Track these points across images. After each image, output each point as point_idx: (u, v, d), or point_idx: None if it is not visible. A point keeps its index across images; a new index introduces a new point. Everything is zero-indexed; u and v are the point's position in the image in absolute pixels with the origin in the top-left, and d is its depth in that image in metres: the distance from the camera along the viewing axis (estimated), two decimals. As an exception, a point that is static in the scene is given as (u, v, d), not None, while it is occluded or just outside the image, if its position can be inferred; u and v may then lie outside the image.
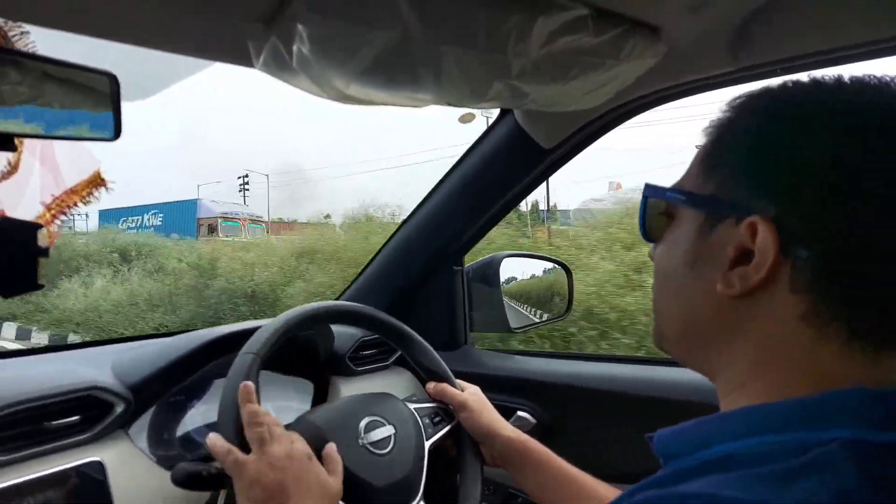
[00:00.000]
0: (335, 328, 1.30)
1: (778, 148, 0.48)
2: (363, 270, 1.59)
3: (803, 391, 0.46)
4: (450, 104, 0.79)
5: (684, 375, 1.17)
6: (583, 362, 1.41)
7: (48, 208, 0.67)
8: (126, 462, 0.95)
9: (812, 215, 0.46)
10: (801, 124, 0.48)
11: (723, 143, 0.53)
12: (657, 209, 0.59)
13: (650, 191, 0.59)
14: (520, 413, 1.34)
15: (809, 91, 0.50)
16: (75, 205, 0.68)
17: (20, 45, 0.61)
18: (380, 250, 1.56)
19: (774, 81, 0.54)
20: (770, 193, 0.48)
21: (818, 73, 0.51)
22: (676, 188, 0.56)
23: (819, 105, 0.49)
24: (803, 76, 0.52)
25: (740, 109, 0.54)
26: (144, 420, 1.06)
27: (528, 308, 1.60)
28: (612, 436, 1.24)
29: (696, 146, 0.58)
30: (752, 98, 0.54)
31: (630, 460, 1.18)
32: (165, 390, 1.07)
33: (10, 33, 0.59)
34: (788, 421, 0.45)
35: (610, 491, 0.90)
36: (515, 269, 1.55)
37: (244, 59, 0.71)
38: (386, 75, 0.69)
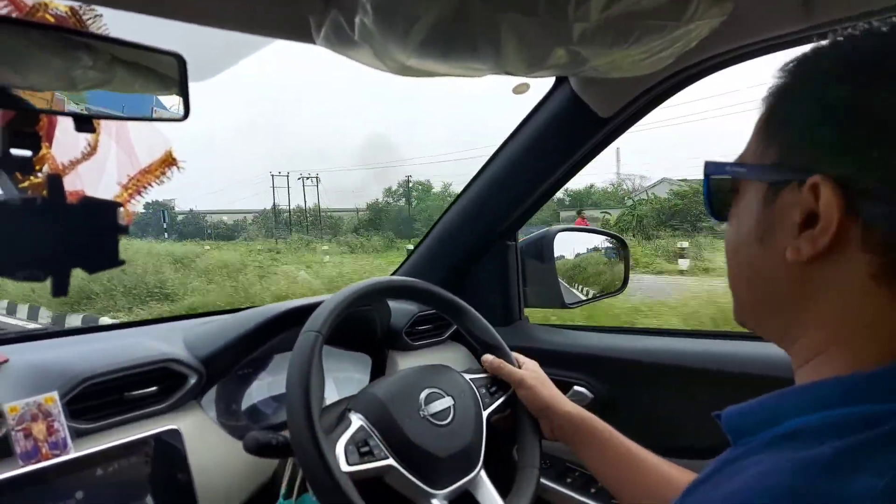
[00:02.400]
0: (392, 304, 1.32)
1: (840, 105, 0.47)
2: (417, 246, 1.60)
3: (875, 359, 0.45)
4: (508, 73, 0.78)
5: (746, 349, 1.14)
6: (639, 336, 1.39)
7: (125, 188, 0.70)
8: (199, 430, 0.99)
9: (883, 170, 0.44)
10: (866, 78, 0.46)
11: (781, 109, 0.52)
12: (721, 186, 0.58)
13: (711, 168, 0.58)
14: (576, 388, 1.34)
15: (869, 42, 0.48)
16: (150, 184, 0.71)
17: (93, 28, 0.63)
18: (434, 226, 1.57)
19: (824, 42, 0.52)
20: (833, 152, 0.46)
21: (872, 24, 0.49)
22: (735, 162, 0.55)
23: (885, 56, 0.47)
24: (854, 30, 0.50)
25: (797, 72, 0.52)
26: (213, 392, 1.11)
27: (584, 283, 1.58)
28: (672, 410, 1.23)
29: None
30: (807, 59, 0.52)
31: (690, 435, 1.17)
32: (234, 363, 1.11)
33: (85, 17, 0.61)
34: (859, 393, 0.44)
35: (672, 467, 0.89)
36: (570, 244, 1.53)
37: (304, 35, 0.72)
38: (446, 45, 0.68)
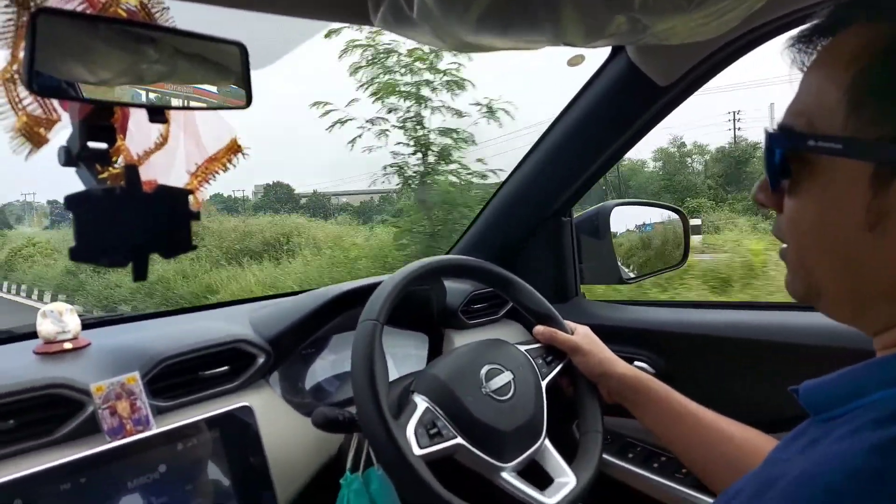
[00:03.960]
0: (447, 283, 1.33)
1: None
2: (472, 224, 1.60)
3: None
4: (566, 44, 0.76)
5: (813, 319, 1.11)
6: (699, 310, 1.36)
7: (194, 176, 0.72)
8: (269, 407, 1.03)
9: None
10: None
11: (887, 64, 0.43)
12: (789, 158, 0.49)
13: (779, 141, 0.50)
14: (637, 363, 1.32)
15: None
16: (217, 172, 0.73)
17: (161, 20, 0.64)
18: (488, 203, 1.56)
19: None
20: None
21: None
22: (821, 135, 0.46)
23: None
24: None
25: None
26: (278, 371, 1.15)
27: (642, 257, 1.55)
28: (735, 384, 1.20)
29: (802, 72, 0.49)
30: None
31: (754, 409, 1.14)
32: (298, 343, 1.15)
33: (153, 10, 0.63)
34: None
35: (731, 423, 0.88)
36: (627, 218, 1.51)
37: (362, 17, 0.72)
38: (504, 19, 0.67)
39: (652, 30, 0.74)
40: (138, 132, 0.68)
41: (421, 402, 0.93)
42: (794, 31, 0.50)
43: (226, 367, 1.01)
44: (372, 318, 0.93)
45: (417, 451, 0.85)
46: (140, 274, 0.61)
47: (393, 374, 1.29)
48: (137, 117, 0.67)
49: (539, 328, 1.09)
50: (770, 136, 0.50)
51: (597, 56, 1.17)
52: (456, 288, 1.37)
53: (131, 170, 0.61)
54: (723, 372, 1.23)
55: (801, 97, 0.49)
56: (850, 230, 0.46)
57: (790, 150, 0.49)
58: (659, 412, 0.94)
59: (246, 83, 0.70)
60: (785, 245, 0.54)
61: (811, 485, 0.38)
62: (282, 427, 1.04)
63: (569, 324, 1.11)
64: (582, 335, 1.07)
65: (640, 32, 0.74)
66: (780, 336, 1.14)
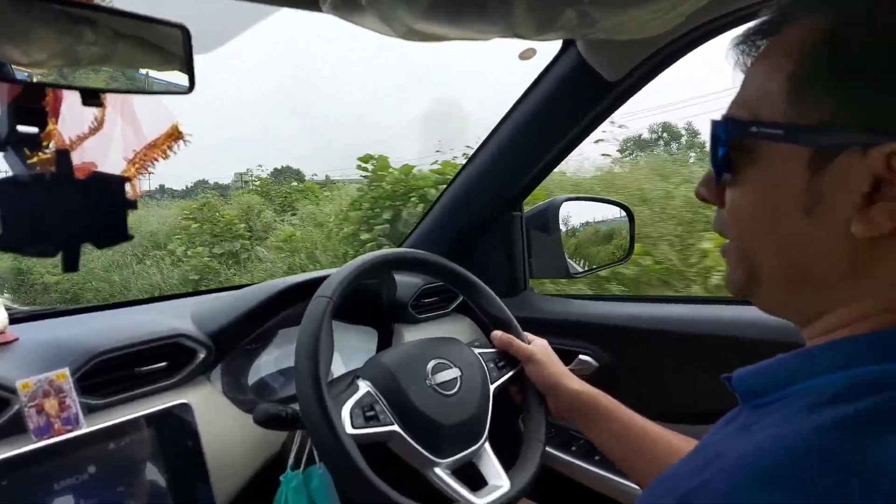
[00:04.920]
0: (397, 276, 1.32)
1: None
2: (423, 217, 1.60)
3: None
4: (517, 36, 0.76)
5: (750, 313, 1.15)
6: (643, 304, 1.39)
7: (132, 163, 0.69)
8: (210, 404, 1.00)
9: None
10: None
11: (826, 53, 0.44)
12: (732, 148, 0.50)
13: (726, 128, 0.50)
14: (581, 356, 1.35)
15: None
16: (156, 159, 0.70)
17: (99, 0, 0.62)
18: (440, 196, 1.56)
19: None
20: None
21: None
22: (762, 121, 0.47)
23: None
24: None
25: (841, 12, 0.44)
26: (220, 367, 1.11)
27: (588, 252, 1.58)
28: (677, 377, 1.24)
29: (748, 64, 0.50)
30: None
31: (696, 401, 1.18)
32: (242, 338, 1.12)
33: (89, -12, 0.60)
34: (881, 351, 0.42)
35: (678, 438, 0.89)
36: (576, 213, 1.53)
37: (309, 3, 0.70)
38: (454, 8, 0.67)
39: (601, 24, 0.75)
40: (71, 116, 0.65)
41: (363, 386, 0.92)
42: (739, 31, 0.52)
43: (164, 363, 0.98)
44: (325, 294, 0.92)
45: (349, 430, 0.84)
46: (70, 265, 0.58)
47: (341, 369, 1.28)
48: (71, 101, 0.64)
49: (497, 333, 1.09)
50: (715, 124, 0.51)
51: (548, 50, 1.18)
52: (406, 282, 1.37)
53: (62, 155, 0.58)
54: (663, 364, 1.26)
55: (744, 90, 0.51)
56: (789, 213, 0.47)
57: (734, 137, 0.50)
58: (609, 430, 0.93)
59: (188, 67, 0.68)
60: (727, 241, 0.55)
61: (748, 467, 0.39)
62: (222, 425, 1.01)
63: (527, 335, 1.11)
64: (538, 346, 1.07)
65: (589, 26, 0.75)
66: (719, 329, 1.18)
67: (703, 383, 1.18)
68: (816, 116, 0.44)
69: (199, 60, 0.69)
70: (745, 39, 0.51)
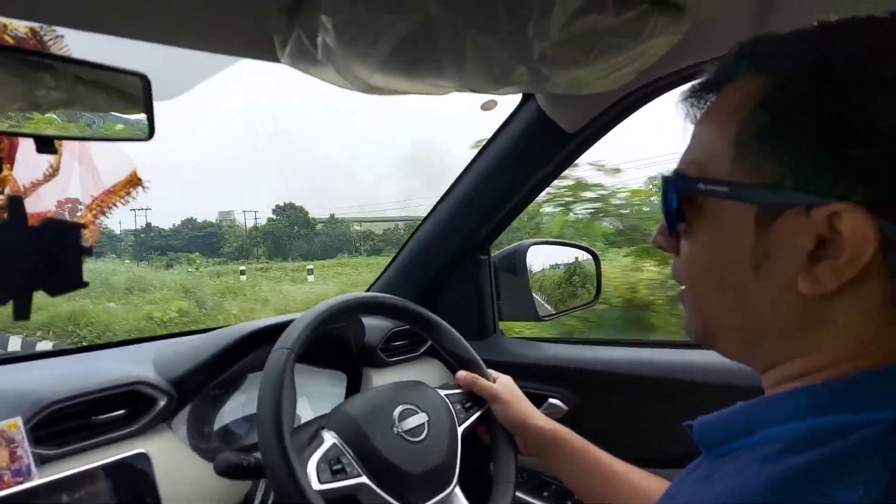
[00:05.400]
0: (366, 320, 1.32)
1: (867, 110, 0.41)
2: (391, 262, 1.60)
3: (848, 371, 0.44)
4: (472, 90, 0.79)
5: (715, 358, 1.16)
6: (612, 348, 1.40)
7: (89, 209, 0.69)
8: (170, 453, 0.98)
9: None
10: (876, 85, 0.41)
11: (768, 114, 0.45)
12: (682, 202, 0.51)
13: (674, 184, 0.51)
14: (551, 400, 1.35)
15: (867, 35, 0.43)
16: (114, 204, 0.71)
17: (55, 49, 0.63)
18: (407, 241, 1.57)
19: (807, 31, 0.46)
20: (859, 172, 0.41)
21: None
22: (710, 179, 0.48)
23: (881, 53, 0.41)
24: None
25: (785, 67, 0.45)
26: (184, 413, 1.09)
27: (557, 296, 1.59)
28: (645, 420, 1.24)
29: (695, 124, 0.52)
30: (806, 50, 0.45)
31: (665, 444, 1.18)
32: (205, 384, 1.10)
33: (46, 38, 0.61)
34: (831, 403, 0.43)
35: (644, 477, 0.89)
36: (543, 257, 1.55)
37: (269, 54, 0.72)
38: (409, 63, 0.69)
39: (554, 79, 0.78)
40: (27, 163, 0.66)
41: (328, 438, 0.90)
42: (686, 87, 0.54)
43: (122, 412, 0.95)
44: (286, 346, 0.91)
45: (316, 486, 0.82)
46: (21, 313, 0.57)
47: (309, 415, 1.26)
48: (27, 148, 0.65)
49: (461, 374, 1.09)
50: (665, 180, 0.52)
51: (509, 101, 1.22)
52: (375, 325, 1.36)
53: (15, 201, 0.58)
54: (632, 408, 1.26)
55: (692, 146, 0.52)
56: (738, 270, 0.47)
57: (683, 192, 0.51)
58: (575, 467, 0.94)
59: (148, 114, 0.68)
60: (682, 287, 0.56)
61: None
62: (182, 474, 0.98)
63: (492, 372, 1.11)
64: (503, 384, 1.07)
65: (542, 82, 0.78)
66: (684, 374, 1.19)
67: (669, 427, 1.18)
68: (761, 176, 0.45)
69: (181, 103, 0.70)
70: (693, 94, 0.53)
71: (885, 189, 0.40)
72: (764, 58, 0.47)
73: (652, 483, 0.88)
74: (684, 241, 0.53)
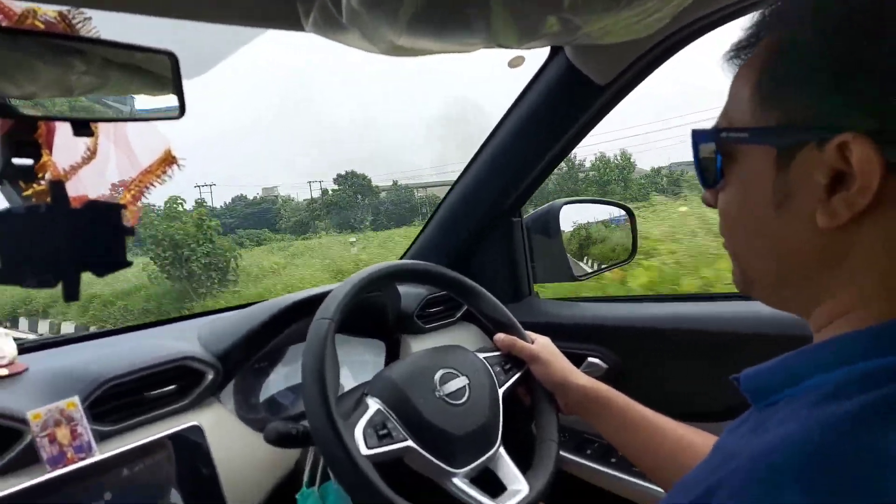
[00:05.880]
0: (401, 288, 1.33)
1: (855, 56, 0.44)
2: (423, 228, 1.60)
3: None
4: (501, 46, 0.77)
5: (755, 308, 1.14)
6: (649, 304, 1.39)
7: (127, 189, 0.70)
8: (220, 425, 1.01)
9: None
10: (875, 26, 0.44)
11: (781, 66, 0.48)
12: (714, 152, 0.54)
13: (701, 136, 0.55)
14: (590, 359, 1.35)
15: None
16: (151, 184, 0.71)
17: (83, 31, 0.63)
18: (438, 207, 1.56)
19: None
20: (863, 105, 0.43)
21: None
22: (731, 127, 0.52)
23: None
24: None
25: (792, 18, 0.49)
26: (231, 386, 1.12)
27: (592, 254, 1.58)
28: (687, 375, 1.23)
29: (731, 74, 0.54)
30: (810, 4, 0.48)
31: (707, 399, 1.17)
32: (249, 357, 1.12)
33: (75, 20, 0.61)
34: (882, 345, 0.43)
35: (691, 431, 0.89)
36: (576, 216, 1.53)
37: (294, 23, 0.71)
38: (436, 21, 0.68)
39: (584, 29, 0.75)
40: (65, 147, 0.66)
41: (373, 404, 0.92)
42: (726, 49, 0.55)
43: (173, 386, 0.98)
44: (326, 316, 0.92)
45: (364, 451, 0.83)
46: (71, 294, 0.59)
47: (350, 383, 1.28)
48: (64, 131, 0.65)
49: (499, 336, 1.09)
50: (694, 133, 0.55)
51: (538, 56, 1.19)
52: (410, 292, 1.37)
53: (57, 186, 0.58)
54: (673, 364, 1.25)
55: (726, 103, 0.54)
56: (762, 212, 0.50)
57: (710, 142, 0.54)
58: (618, 424, 0.94)
59: (178, 92, 0.68)
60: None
61: (760, 466, 0.40)
62: (234, 445, 1.01)
63: (529, 334, 1.11)
64: (541, 345, 1.07)
65: (572, 32, 0.75)
66: (727, 326, 1.17)
67: (713, 381, 1.17)
68: (777, 119, 0.48)
69: (204, 80, 0.70)
70: (735, 54, 0.55)
71: (889, 119, 0.43)
72: (777, 16, 0.50)
73: (699, 437, 0.88)
74: (721, 194, 0.56)
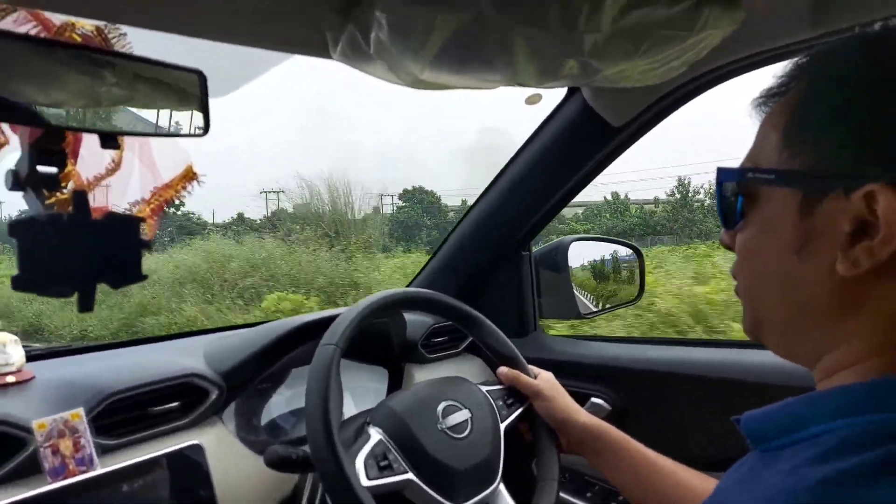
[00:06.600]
0: (407, 316, 1.32)
1: (884, 108, 0.45)
2: (432, 257, 1.61)
3: None
4: (520, 84, 0.79)
5: (762, 358, 1.14)
6: (656, 346, 1.38)
7: (147, 203, 0.71)
8: (221, 445, 1.00)
9: None
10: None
11: (812, 112, 0.49)
12: (736, 193, 0.55)
13: (727, 175, 0.56)
14: (594, 399, 1.33)
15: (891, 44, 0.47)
16: (171, 199, 0.73)
17: (118, 46, 0.64)
18: (448, 236, 1.57)
19: (845, 37, 0.51)
20: (891, 156, 0.44)
21: None
22: (758, 168, 0.53)
23: None
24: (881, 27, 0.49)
25: (824, 71, 0.50)
26: (232, 406, 1.12)
27: (599, 293, 1.58)
28: (690, 420, 1.22)
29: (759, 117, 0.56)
30: (835, 56, 0.50)
31: (708, 445, 1.16)
32: (254, 377, 1.12)
33: (110, 35, 0.63)
34: (885, 399, 0.43)
35: (690, 473, 0.89)
36: (585, 254, 1.53)
37: (321, 51, 0.73)
38: (459, 58, 0.69)
39: (603, 73, 0.77)
40: (90, 157, 0.68)
41: (375, 434, 0.91)
42: (756, 95, 0.57)
43: (176, 403, 0.98)
44: (332, 342, 0.92)
45: (365, 482, 0.83)
46: (86, 305, 0.59)
47: (352, 409, 1.27)
48: (90, 142, 0.66)
49: (503, 370, 1.09)
50: (719, 171, 0.56)
51: (554, 94, 1.21)
52: (416, 321, 1.37)
53: (79, 196, 0.59)
54: (676, 408, 1.24)
55: (752, 146, 0.56)
56: (782, 254, 0.50)
57: (734, 181, 0.55)
58: (619, 463, 0.94)
59: (204, 110, 0.70)
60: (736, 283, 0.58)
61: None
62: (234, 466, 1.00)
63: (533, 368, 1.10)
64: (545, 380, 1.07)
65: (591, 75, 0.77)
66: (731, 373, 1.17)
67: (715, 428, 1.16)
68: (804, 164, 0.49)
69: (236, 97, 0.71)
70: (764, 100, 0.56)
71: None
72: (809, 67, 0.52)
73: (701, 481, 0.87)
74: (739, 235, 0.56)
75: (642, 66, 0.80)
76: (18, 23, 0.59)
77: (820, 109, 0.49)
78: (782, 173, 0.50)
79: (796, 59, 0.53)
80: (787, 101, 0.52)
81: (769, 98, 0.55)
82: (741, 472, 0.51)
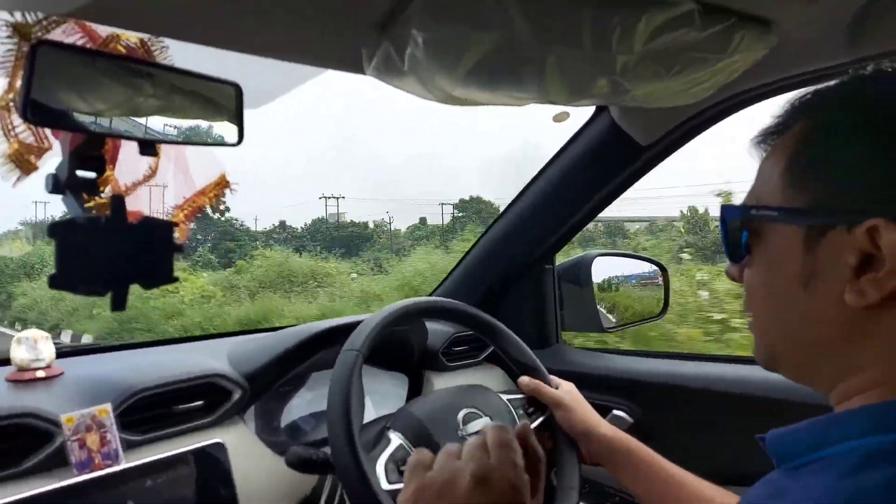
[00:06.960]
0: (429, 324, 1.33)
1: (885, 145, 0.46)
2: (455, 267, 1.62)
3: None
4: (551, 102, 0.79)
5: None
6: (679, 361, 1.38)
7: (181, 209, 0.73)
8: (243, 445, 1.02)
9: None
10: None
11: (816, 149, 0.51)
12: (741, 228, 0.57)
13: (732, 212, 0.57)
14: (616, 412, 1.33)
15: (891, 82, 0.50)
16: (204, 206, 0.75)
17: (160, 58, 0.67)
18: (472, 247, 1.58)
19: (843, 78, 0.53)
20: (890, 193, 0.45)
21: None
22: (762, 205, 0.54)
23: None
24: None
25: (824, 111, 0.52)
26: (254, 408, 1.13)
27: (623, 308, 1.57)
28: (712, 436, 1.21)
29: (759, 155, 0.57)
30: (834, 97, 0.52)
31: (730, 461, 1.15)
32: (276, 379, 1.14)
33: (153, 48, 0.65)
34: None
35: (711, 488, 0.89)
36: (608, 269, 1.53)
37: (355, 66, 0.75)
38: (491, 75, 0.70)
39: (632, 93, 0.77)
40: (127, 163, 0.70)
41: (395, 439, 0.92)
42: (756, 133, 0.58)
43: (200, 402, 1.00)
44: (354, 348, 0.93)
45: (385, 486, 0.84)
46: (118, 304, 0.61)
47: (371, 414, 1.28)
48: (128, 148, 0.69)
49: (524, 379, 1.09)
50: (723, 209, 0.58)
51: (582, 113, 1.21)
52: (438, 329, 1.38)
53: (117, 200, 0.61)
54: (698, 423, 1.23)
55: (754, 182, 0.57)
56: (790, 288, 0.52)
57: (739, 219, 0.56)
58: (641, 475, 0.94)
59: (238, 121, 0.72)
60: (750, 318, 0.60)
61: None
62: (255, 466, 1.02)
63: (554, 379, 1.11)
64: (566, 391, 1.07)
65: (621, 94, 0.77)
66: (755, 389, 1.16)
67: (737, 443, 1.14)
68: (807, 200, 0.50)
69: (264, 111, 0.73)
70: (762, 139, 0.57)
71: None
72: (809, 106, 0.53)
73: (719, 494, 0.88)
74: (747, 270, 0.58)
75: (672, 87, 0.80)
76: (67, 34, 0.61)
77: (821, 149, 0.50)
78: (785, 210, 0.52)
79: (792, 98, 0.55)
80: (787, 140, 0.53)
81: (767, 137, 0.56)
82: (767, 489, 0.51)
